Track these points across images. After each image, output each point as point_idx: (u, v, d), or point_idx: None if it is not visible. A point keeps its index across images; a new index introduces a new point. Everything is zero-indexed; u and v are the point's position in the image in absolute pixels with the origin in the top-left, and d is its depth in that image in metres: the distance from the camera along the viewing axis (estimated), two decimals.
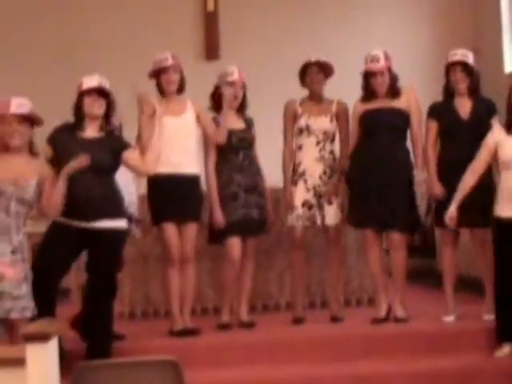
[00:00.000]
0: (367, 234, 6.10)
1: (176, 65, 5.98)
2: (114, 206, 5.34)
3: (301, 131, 6.24)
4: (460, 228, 5.93)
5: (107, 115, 5.42)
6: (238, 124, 6.19)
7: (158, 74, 5.98)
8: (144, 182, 6.03)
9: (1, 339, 4.71)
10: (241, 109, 6.24)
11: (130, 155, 5.41)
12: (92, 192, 5.20)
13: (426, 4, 10.43)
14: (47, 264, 5.11)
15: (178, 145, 5.88)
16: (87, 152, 5.06)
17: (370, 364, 5.45)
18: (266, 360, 5.55)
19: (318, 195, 6.19)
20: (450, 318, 5.97)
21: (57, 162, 5.14)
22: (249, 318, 6.21)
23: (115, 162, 5.37)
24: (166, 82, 5.95)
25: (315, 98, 6.30)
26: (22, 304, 4.69)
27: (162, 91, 6.01)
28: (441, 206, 5.96)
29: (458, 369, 5.34)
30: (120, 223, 5.35)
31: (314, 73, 6.25)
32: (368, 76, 6.08)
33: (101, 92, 5.34)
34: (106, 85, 5.39)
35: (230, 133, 6.08)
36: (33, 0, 9.76)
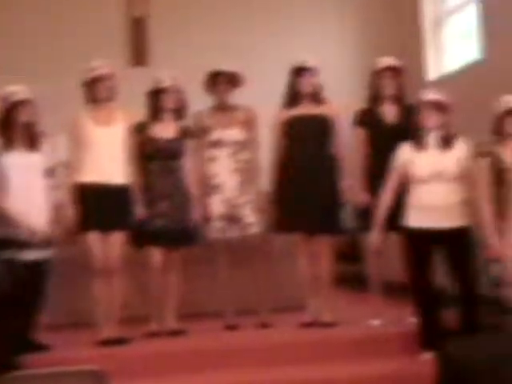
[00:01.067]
0: (297, 239, 6.14)
1: (109, 73, 5.96)
2: None
3: (213, 144, 6.23)
4: (387, 232, 6.00)
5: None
6: (168, 132, 6.14)
7: (91, 82, 5.94)
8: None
9: None
10: (177, 116, 6.21)
11: None
12: None
13: (349, 16, 10.59)
14: None
15: (109, 155, 5.86)
16: None
17: (299, 369, 5.47)
18: (197, 368, 5.54)
19: (237, 206, 6.18)
20: (376, 322, 6.04)
21: None
22: (177, 325, 6.19)
23: None
24: (98, 90, 5.93)
25: (223, 107, 6.30)
26: None
27: (93, 99, 5.96)
28: (367, 211, 6.03)
29: (385, 372, 5.39)
30: None
31: (223, 82, 6.26)
32: (296, 75, 6.09)
33: None
34: None
35: (151, 140, 6.06)
36: None
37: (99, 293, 5.87)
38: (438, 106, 5.53)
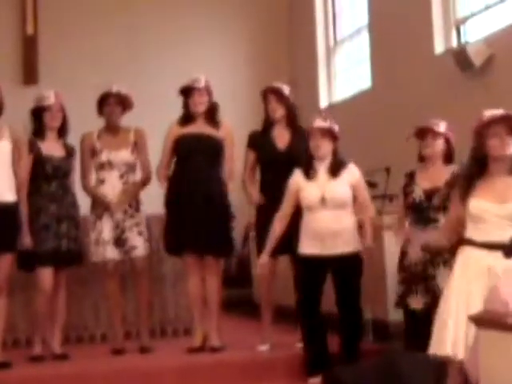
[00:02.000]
0: (186, 260, 6.10)
1: None
2: None
3: (102, 166, 6.16)
4: (278, 256, 6.03)
5: None
6: (56, 151, 6.05)
7: None
8: None
9: None
10: (61, 133, 6.12)
11: None
12: None
13: (243, 40, 10.69)
14: None
15: None
16: None
17: None
18: None
19: (124, 229, 6.11)
20: (264, 347, 6.05)
21: None
22: (62, 349, 6.06)
23: None
24: None
25: (112, 129, 6.25)
26: None
27: None
28: (259, 234, 6.04)
29: None
30: None
31: (113, 104, 6.22)
32: (186, 95, 6.10)
33: None
34: None
35: (45, 160, 5.96)
36: None
37: None
38: (327, 134, 5.59)
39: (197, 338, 6.09)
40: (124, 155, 6.16)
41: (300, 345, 5.80)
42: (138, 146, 6.22)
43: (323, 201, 5.49)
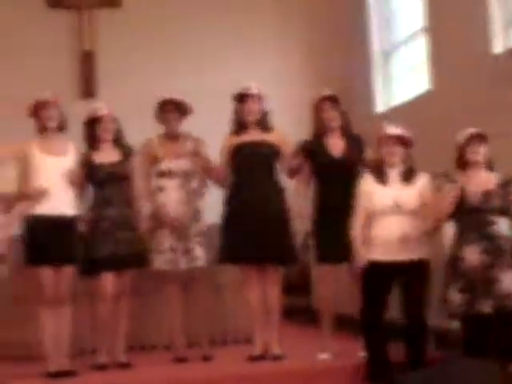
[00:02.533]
0: (245, 269, 6.12)
1: (55, 102, 5.94)
2: None
3: (162, 174, 6.23)
4: (336, 264, 6.02)
5: None
6: (109, 157, 6.13)
7: (37, 111, 5.92)
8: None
9: None
10: (116, 141, 6.20)
11: None
12: None
13: (297, 45, 10.67)
14: None
15: (58, 186, 5.84)
16: None
17: None
18: None
19: (184, 238, 6.17)
20: (325, 356, 6.03)
21: None
22: (125, 358, 6.13)
23: None
24: (45, 119, 5.90)
25: (172, 136, 6.30)
26: None
27: (41, 129, 5.94)
28: (320, 242, 6.05)
29: None
30: None
31: (171, 110, 6.26)
32: (240, 102, 6.12)
33: None
34: None
35: (98, 168, 6.04)
36: None
37: (48, 325, 5.82)
38: (399, 140, 5.59)
39: (257, 346, 6.10)
40: (183, 164, 6.21)
41: (363, 354, 5.78)
42: (197, 155, 6.25)
43: (397, 207, 5.47)
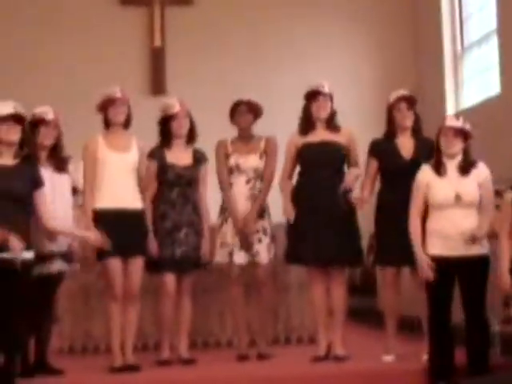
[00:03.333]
0: (310, 270, 6.11)
1: (124, 98, 6.00)
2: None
3: (231, 170, 6.25)
4: (401, 266, 5.99)
5: (22, 142, 5.29)
6: (181, 159, 6.17)
7: (105, 106, 5.99)
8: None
9: None
10: (189, 140, 6.24)
11: (39, 199, 5.31)
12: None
13: (368, 47, 10.63)
14: None
15: (123, 180, 5.91)
16: (4, 179, 5.07)
17: None
18: None
19: (250, 233, 6.16)
20: (389, 358, 5.99)
21: None
22: (189, 354, 6.18)
23: (32, 189, 5.27)
24: (113, 114, 5.97)
25: (244, 136, 6.32)
26: None
27: (108, 124, 6.02)
28: (382, 244, 6.03)
29: None
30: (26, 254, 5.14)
31: (243, 112, 6.28)
32: (310, 99, 6.11)
33: (16, 118, 5.24)
34: (21, 111, 5.29)
35: (168, 167, 6.10)
36: None
37: (116, 319, 5.87)
38: (459, 132, 5.53)
39: (321, 346, 6.10)
40: (253, 161, 6.23)
41: (427, 357, 5.73)
42: (267, 154, 6.27)
43: (457, 199, 5.41)
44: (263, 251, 6.19)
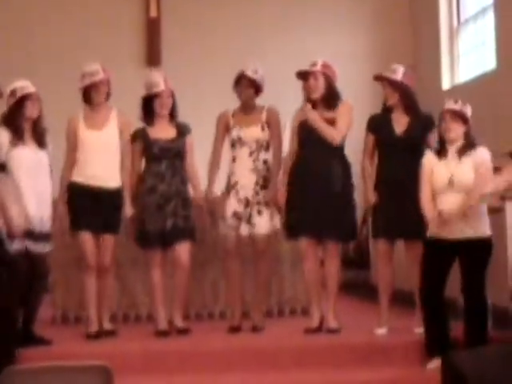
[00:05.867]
0: (303, 243, 6.12)
1: (105, 79, 6.05)
2: None
3: (233, 143, 6.23)
4: (395, 239, 6.01)
5: None
6: (165, 133, 6.19)
7: (87, 87, 6.03)
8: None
9: None
10: (171, 117, 6.25)
11: None
12: None
13: (364, 21, 10.60)
14: None
15: (99, 159, 5.99)
16: None
17: (301, 374, 5.46)
18: (200, 368, 5.54)
19: (249, 206, 6.17)
20: (382, 331, 6.02)
21: None
22: (184, 324, 6.20)
23: None
24: (95, 95, 6.04)
25: (246, 108, 6.29)
26: None
27: (88, 102, 6.07)
28: (377, 217, 6.05)
29: (388, 381, 5.38)
30: None
31: (244, 86, 6.24)
32: (303, 78, 6.09)
33: None
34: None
35: (153, 142, 6.13)
36: None
37: (90, 290, 6.02)
38: (457, 116, 5.50)
39: (314, 319, 6.11)
40: (254, 132, 6.21)
41: (419, 330, 5.74)
42: (270, 125, 6.25)
43: (450, 183, 5.41)
44: (262, 221, 6.18)
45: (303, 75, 6.11)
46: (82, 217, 5.94)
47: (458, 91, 9.31)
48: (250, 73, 6.20)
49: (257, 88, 6.27)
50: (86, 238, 5.96)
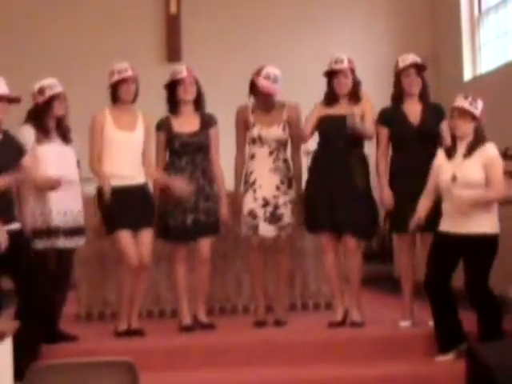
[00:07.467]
0: (322, 238, 6.12)
1: (134, 76, 6.00)
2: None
3: (253, 141, 6.20)
4: (415, 233, 5.98)
5: None
6: (188, 126, 6.16)
7: (116, 84, 5.97)
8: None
9: None
10: (197, 107, 6.21)
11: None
12: None
13: (386, 13, 10.56)
14: None
15: (128, 159, 5.97)
16: None
17: (325, 368, 5.46)
18: (224, 363, 5.55)
19: (269, 205, 6.14)
20: (406, 324, 6.01)
21: None
22: (208, 319, 6.21)
23: (17, 161, 5.34)
24: (124, 93, 5.97)
25: (267, 107, 6.21)
26: None
27: (115, 100, 6.02)
28: (396, 211, 6.02)
29: (412, 374, 5.37)
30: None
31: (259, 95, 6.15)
32: (331, 76, 6.09)
33: (10, 99, 5.29)
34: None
35: (175, 136, 6.11)
36: None
37: (127, 287, 5.94)
38: (465, 113, 5.43)
39: (338, 312, 6.11)
40: (275, 132, 6.18)
41: (431, 322, 5.73)
42: (291, 123, 6.22)
43: (453, 180, 5.38)
44: (290, 222, 6.16)
45: (332, 73, 6.09)
46: (117, 216, 5.85)
47: (479, 82, 9.27)
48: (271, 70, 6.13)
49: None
50: (125, 236, 5.88)
